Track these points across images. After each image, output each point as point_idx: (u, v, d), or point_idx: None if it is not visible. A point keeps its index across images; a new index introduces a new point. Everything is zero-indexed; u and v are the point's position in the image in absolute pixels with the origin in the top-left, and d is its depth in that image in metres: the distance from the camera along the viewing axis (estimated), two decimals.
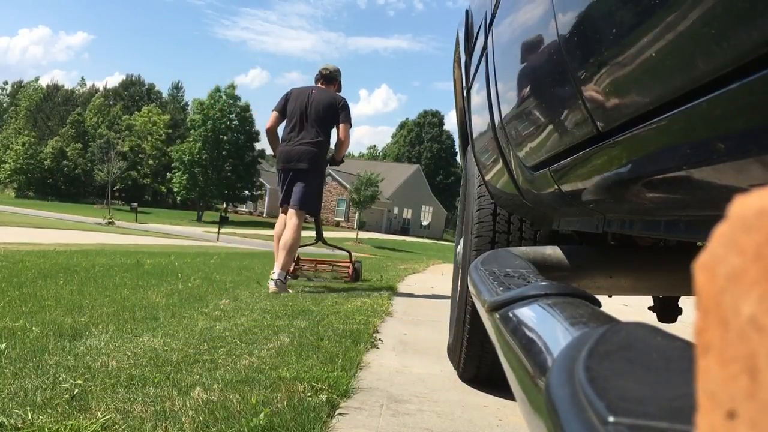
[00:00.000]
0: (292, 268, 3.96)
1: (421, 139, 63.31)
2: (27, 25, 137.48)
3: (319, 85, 3.93)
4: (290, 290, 3.62)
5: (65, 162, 50.67)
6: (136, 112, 53.21)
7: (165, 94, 62.87)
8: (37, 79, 61.65)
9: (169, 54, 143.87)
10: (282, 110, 3.83)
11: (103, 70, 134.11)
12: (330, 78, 3.93)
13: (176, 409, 1.34)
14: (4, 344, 1.79)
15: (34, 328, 2.08)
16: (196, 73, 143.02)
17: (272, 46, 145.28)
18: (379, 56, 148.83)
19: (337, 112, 3.75)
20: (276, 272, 3.56)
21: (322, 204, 4.12)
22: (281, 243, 3.61)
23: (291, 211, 3.66)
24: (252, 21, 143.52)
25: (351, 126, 3.81)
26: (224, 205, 45.43)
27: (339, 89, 3.99)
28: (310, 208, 3.76)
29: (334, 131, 3.81)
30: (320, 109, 3.71)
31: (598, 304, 0.65)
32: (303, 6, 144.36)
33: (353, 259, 4.40)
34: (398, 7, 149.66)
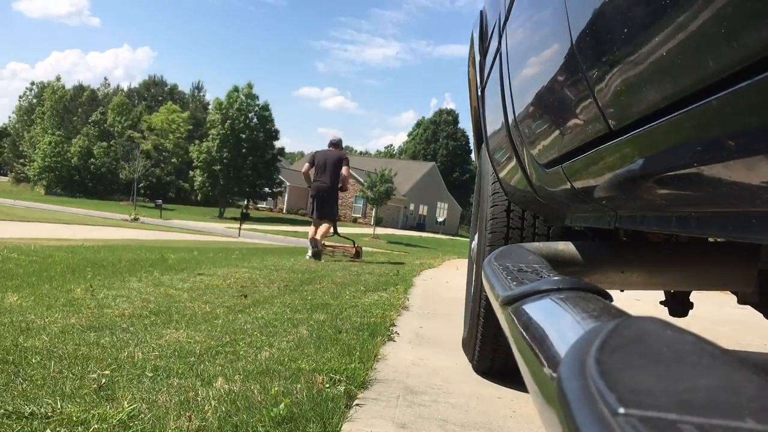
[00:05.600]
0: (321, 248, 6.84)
1: (437, 137, 63.02)
2: (131, 44, 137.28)
3: (331, 148, 7.14)
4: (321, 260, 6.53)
5: (92, 160, 51.59)
6: (155, 112, 53.76)
7: (186, 94, 63.53)
8: (58, 78, 62.23)
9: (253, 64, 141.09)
10: (312, 162, 7.01)
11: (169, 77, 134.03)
12: (337, 144, 7.17)
13: (199, 399, 1.38)
14: (34, 336, 1.87)
15: (62, 320, 2.16)
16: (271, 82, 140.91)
17: (354, 54, 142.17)
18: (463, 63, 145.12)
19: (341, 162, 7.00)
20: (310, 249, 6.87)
21: (340, 201, 7.21)
22: (319, 233, 6.81)
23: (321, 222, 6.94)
24: (342, 31, 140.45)
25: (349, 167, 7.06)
26: (245, 202, 45.80)
27: (341, 149, 7.36)
28: (330, 218, 7.00)
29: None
30: (331, 162, 6.94)
31: (610, 298, 0.66)
32: (398, 14, 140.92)
33: (356, 245, 7.74)
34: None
